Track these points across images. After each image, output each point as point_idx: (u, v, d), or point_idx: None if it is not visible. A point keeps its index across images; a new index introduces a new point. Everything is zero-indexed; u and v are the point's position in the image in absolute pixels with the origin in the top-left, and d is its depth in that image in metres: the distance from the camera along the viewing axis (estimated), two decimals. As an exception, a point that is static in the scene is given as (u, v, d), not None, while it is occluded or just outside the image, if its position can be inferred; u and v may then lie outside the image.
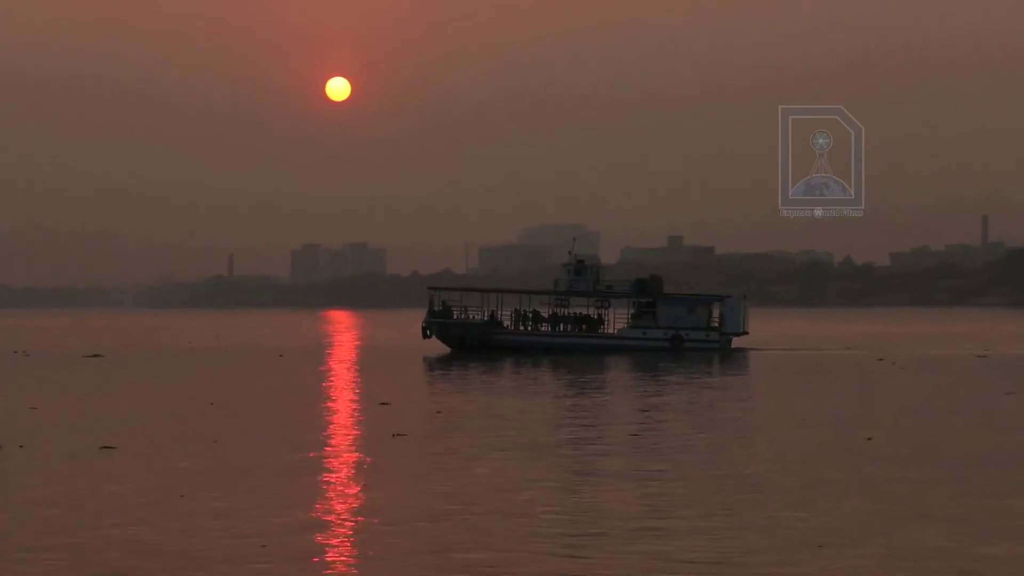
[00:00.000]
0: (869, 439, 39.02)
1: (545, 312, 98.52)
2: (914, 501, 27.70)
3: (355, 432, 41.94)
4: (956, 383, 64.86)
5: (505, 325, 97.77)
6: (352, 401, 55.21)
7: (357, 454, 35.93)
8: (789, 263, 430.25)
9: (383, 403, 52.94)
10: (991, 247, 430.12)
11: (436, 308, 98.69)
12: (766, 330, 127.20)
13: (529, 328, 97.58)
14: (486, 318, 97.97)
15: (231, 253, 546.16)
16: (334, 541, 23.63)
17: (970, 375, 71.18)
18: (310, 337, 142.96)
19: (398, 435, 40.42)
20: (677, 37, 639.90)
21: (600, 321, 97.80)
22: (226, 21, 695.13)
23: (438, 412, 48.70)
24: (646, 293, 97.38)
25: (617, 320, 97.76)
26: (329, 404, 53.89)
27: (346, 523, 25.45)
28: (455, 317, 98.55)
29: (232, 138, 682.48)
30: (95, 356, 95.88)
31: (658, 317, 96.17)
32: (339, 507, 27.27)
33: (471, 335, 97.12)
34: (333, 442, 39.14)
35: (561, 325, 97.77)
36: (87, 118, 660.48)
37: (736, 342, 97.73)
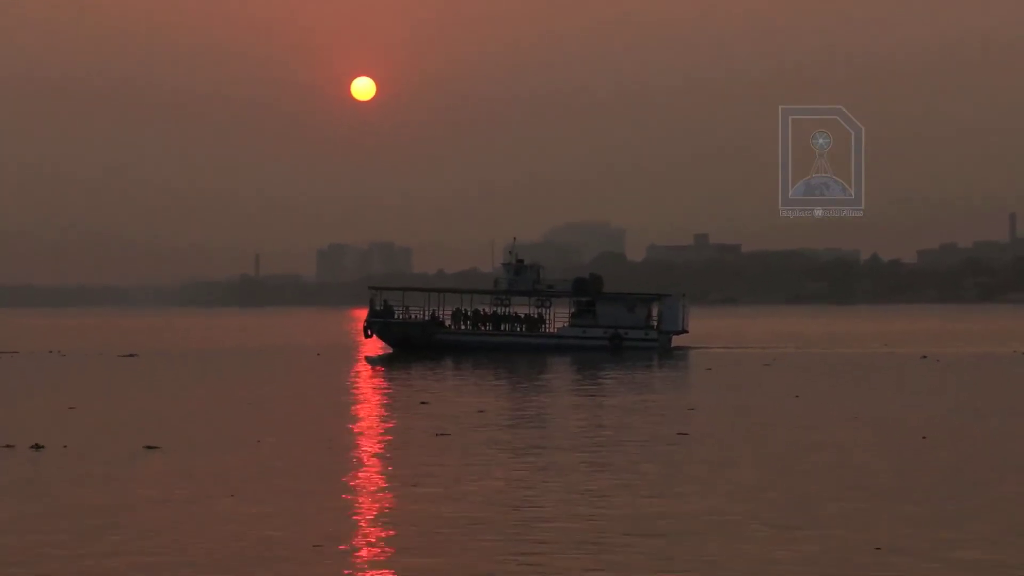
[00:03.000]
0: (924, 438, 38.74)
1: (486, 311, 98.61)
2: (970, 502, 27.36)
3: (398, 431, 41.70)
4: (1006, 381, 64.49)
5: (446, 325, 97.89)
6: (391, 399, 55.03)
7: (403, 454, 35.69)
8: (816, 260, 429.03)
9: (423, 402, 52.76)
10: (1019, 243, 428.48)
11: (378, 308, 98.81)
12: (794, 328, 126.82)
13: (470, 327, 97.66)
14: (427, 318, 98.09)
15: (257, 253, 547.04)
16: (388, 544, 23.40)
17: (1018, 373, 70.78)
18: (341, 336, 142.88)
19: (441, 434, 40.20)
20: (703, 32, 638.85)
21: (540, 320, 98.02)
22: (252, 23, 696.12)
23: (480, 411, 48.46)
24: (586, 292, 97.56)
25: (557, 319, 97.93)
26: (369, 403, 53.74)
27: (398, 524, 25.21)
28: (396, 317, 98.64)
29: (258, 138, 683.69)
30: (130, 356, 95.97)
31: (598, 316, 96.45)
32: (391, 508, 27.07)
33: (412, 334, 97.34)
34: (377, 442, 38.94)
35: (502, 324, 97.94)
36: (116, 119, 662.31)
37: (676, 340, 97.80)
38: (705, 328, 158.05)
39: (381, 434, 41.11)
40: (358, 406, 52.44)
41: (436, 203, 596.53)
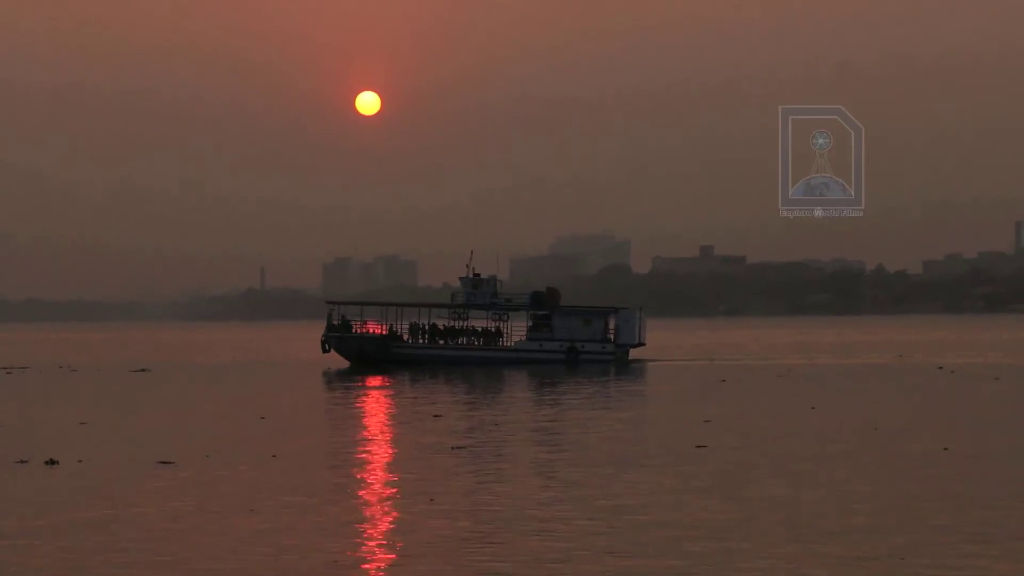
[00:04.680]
0: (945, 449, 38.52)
1: (442, 325, 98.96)
2: (993, 512, 27.15)
3: (414, 445, 41.47)
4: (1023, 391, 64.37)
5: (404, 338, 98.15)
6: (404, 413, 54.80)
7: (420, 468, 35.44)
8: (821, 271, 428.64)
9: (436, 415, 52.54)
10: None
11: (335, 322, 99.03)
12: (802, 340, 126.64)
13: (427, 341, 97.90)
14: (385, 332, 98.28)
15: (263, 266, 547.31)
16: (406, 560, 23.20)
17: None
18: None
19: (457, 448, 40.00)
20: (705, 35, 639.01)
21: (498, 334, 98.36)
22: (259, 36, 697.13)
23: (495, 424, 48.23)
24: (542, 306, 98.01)
25: (515, 333, 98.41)
26: (382, 416, 53.57)
27: (417, 540, 25.01)
28: (354, 331, 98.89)
29: (264, 152, 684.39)
30: (142, 370, 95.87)
31: (554, 329, 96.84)
32: (409, 523, 26.84)
33: (369, 348, 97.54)
34: (393, 456, 38.72)
35: (459, 338, 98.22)
36: (122, 132, 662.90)
37: (633, 353, 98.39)
38: (709, 341, 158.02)
39: (396, 448, 40.89)
40: (371, 420, 52.26)
41: (441, 215, 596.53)
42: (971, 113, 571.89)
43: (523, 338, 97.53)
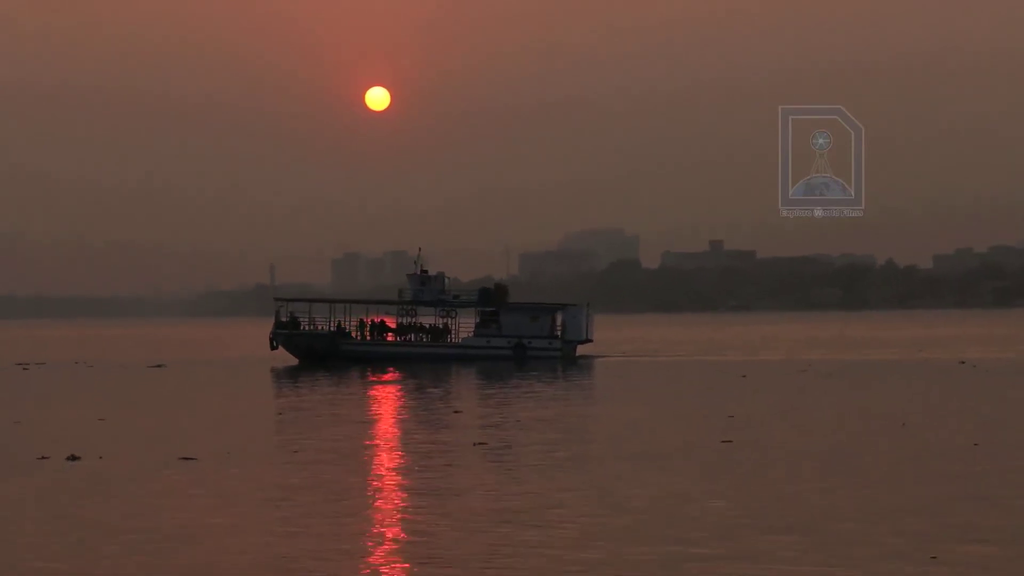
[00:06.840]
0: (976, 445, 38.33)
1: (388, 322, 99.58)
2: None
3: (435, 442, 41.31)
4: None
5: (352, 335, 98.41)
6: (423, 409, 54.67)
7: (443, 464, 35.28)
8: (830, 266, 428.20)
9: (456, 411, 52.38)
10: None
11: (283, 319, 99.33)
12: (816, 335, 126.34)
13: (375, 338, 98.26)
14: (333, 329, 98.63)
15: (272, 262, 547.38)
16: (434, 557, 23.02)
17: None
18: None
19: (479, 444, 39.85)
20: (708, 34, 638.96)
21: (445, 330, 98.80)
22: (269, 34, 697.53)
23: (517, 420, 48.06)
24: (490, 302, 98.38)
25: (462, 330, 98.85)
26: (401, 412, 53.42)
27: (443, 536, 24.86)
28: (301, 328, 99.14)
29: (274, 148, 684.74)
30: (158, 366, 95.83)
31: (501, 326, 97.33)
32: (435, 520, 26.65)
33: (317, 345, 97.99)
34: (415, 452, 38.54)
35: (407, 335, 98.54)
36: (130, 130, 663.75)
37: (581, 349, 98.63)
38: (721, 336, 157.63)
39: (418, 444, 40.71)
40: (389, 416, 52.13)
41: (450, 211, 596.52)
42: (977, 109, 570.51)
43: (471, 334, 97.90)
